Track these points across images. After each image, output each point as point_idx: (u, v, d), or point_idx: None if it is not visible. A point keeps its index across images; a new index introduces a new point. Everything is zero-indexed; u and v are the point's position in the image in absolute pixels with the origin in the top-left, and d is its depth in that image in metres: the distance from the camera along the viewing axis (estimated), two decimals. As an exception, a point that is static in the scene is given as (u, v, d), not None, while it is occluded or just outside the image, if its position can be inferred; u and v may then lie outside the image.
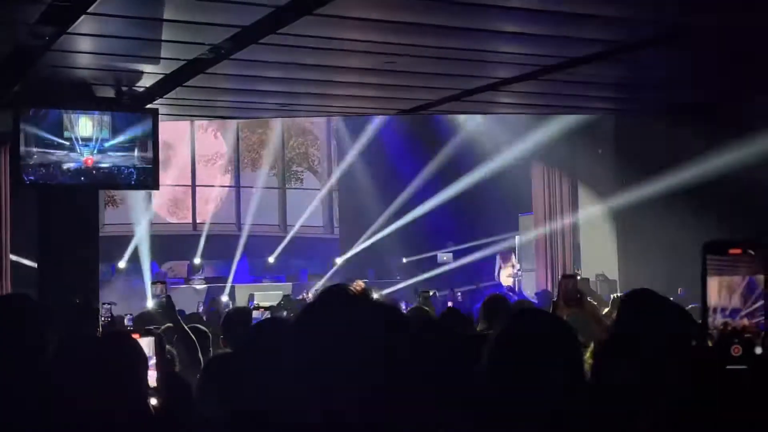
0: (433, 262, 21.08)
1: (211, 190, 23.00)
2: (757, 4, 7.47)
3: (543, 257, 19.03)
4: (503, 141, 18.57)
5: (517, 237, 20.07)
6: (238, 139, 22.76)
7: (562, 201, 18.64)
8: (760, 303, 1.91)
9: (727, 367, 1.89)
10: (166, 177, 21.84)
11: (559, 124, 16.53)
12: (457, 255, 20.84)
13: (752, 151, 14.40)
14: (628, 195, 17.00)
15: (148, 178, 9.88)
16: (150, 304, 8.41)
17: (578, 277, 11.09)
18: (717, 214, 16.06)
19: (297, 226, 22.13)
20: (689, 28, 7.98)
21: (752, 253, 1.92)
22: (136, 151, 9.80)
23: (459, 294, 14.80)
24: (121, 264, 19.29)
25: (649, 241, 17.09)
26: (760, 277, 1.91)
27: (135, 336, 2.68)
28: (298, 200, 24.00)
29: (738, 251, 1.93)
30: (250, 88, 10.69)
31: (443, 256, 21.08)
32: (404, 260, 21.37)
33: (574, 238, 18.70)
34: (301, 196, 24.27)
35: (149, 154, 9.83)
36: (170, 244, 20.54)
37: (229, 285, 19.64)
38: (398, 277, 20.75)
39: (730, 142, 14.70)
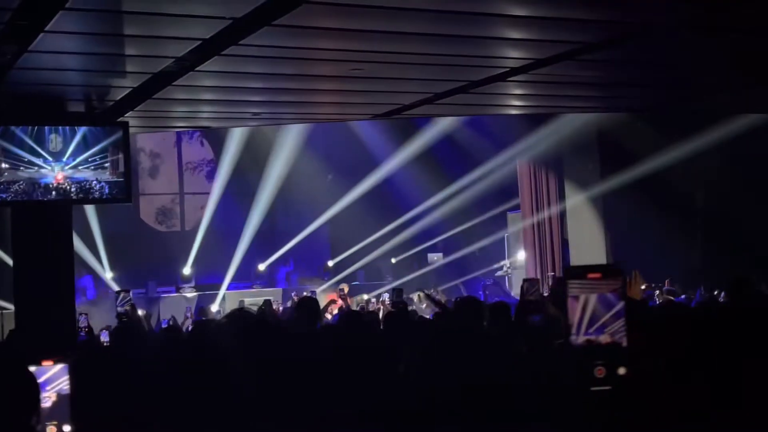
0: (423, 261, 21.15)
1: (203, 197, 22.98)
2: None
3: (532, 254, 19.09)
4: (489, 141, 18.69)
5: (505, 234, 20.11)
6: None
7: (549, 197, 18.69)
8: (621, 321, 1.93)
9: (592, 388, 1.91)
10: (154, 186, 21.95)
11: (544, 123, 16.67)
12: (447, 253, 20.93)
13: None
14: (611, 187, 17.20)
15: (120, 192, 9.88)
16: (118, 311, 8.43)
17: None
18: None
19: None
20: (661, 27, 7.94)
21: (611, 276, 1.94)
22: (107, 164, 9.80)
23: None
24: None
25: (635, 232, 17.25)
26: (619, 297, 1.93)
27: (47, 363, 2.64)
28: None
29: (597, 275, 1.95)
30: (223, 98, 10.70)
31: (434, 256, 21.14)
32: (393, 260, 21.43)
33: (562, 233, 18.76)
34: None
35: (121, 168, 9.83)
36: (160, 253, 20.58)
37: (222, 292, 19.68)
38: (389, 278, 20.80)
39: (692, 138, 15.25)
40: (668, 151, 16.76)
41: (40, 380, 2.52)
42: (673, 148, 16.64)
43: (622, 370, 1.89)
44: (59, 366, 2.64)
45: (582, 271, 1.97)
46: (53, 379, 2.62)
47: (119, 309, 6.96)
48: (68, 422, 2.59)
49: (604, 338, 1.93)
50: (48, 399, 2.61)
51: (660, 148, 16.99)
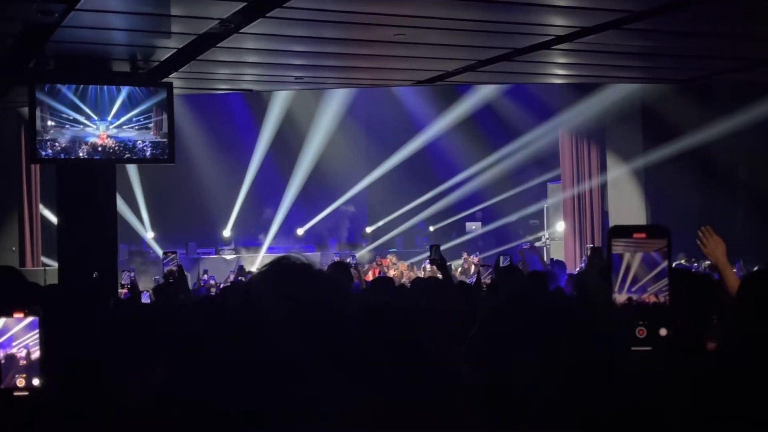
0: (461, 230, 21.15)
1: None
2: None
3: (571, 226, 18.99)
4: (531, 110, 18.59)
5: (545, 205, 20.02)
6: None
7: (590, 168, 18.54)
8: (664, 281, 1.92)
9: (632, 348, 1.90)
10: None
11: (588, 93, 16.54)
12: (486, 222, 20.90)
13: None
14: (653, 160, 17.05)
15: (164, 152, 9.98)
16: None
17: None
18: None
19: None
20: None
21: (656, 236, 1.93)
22: (151, 125, 9.90)
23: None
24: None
25: (675, 206, 17.11)
26: (665, 257, 1.92)
27: (18, 314, 2.61)
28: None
29: (642, 235, 1.94)
30: (267, 62, 10.72)
31: (472, 225, 21.12)
32: (431, 228, 21.44)
33: (603, 204, 18.63)
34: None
35: (164, 129, 9.92)
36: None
37: (261, 254, 19.83)
38: (426, 245, 20.82)
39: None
40: (711, 124, 16.57)
41: (12, 332, 2.52)
42: (716, 121, 16.45)
43: (663, 331, 1.87)
44: (30, 318, 2.62)
45: (627, 230, 1.95)
46: (24, 332, 2.60)
47: (166, 269, 7.04)
48: (38, 376, 2.59)
49: (646, 297, 1.91)
50: (19, 351, 2.60)
51: (703, 121, 16.80)
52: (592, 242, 18.27)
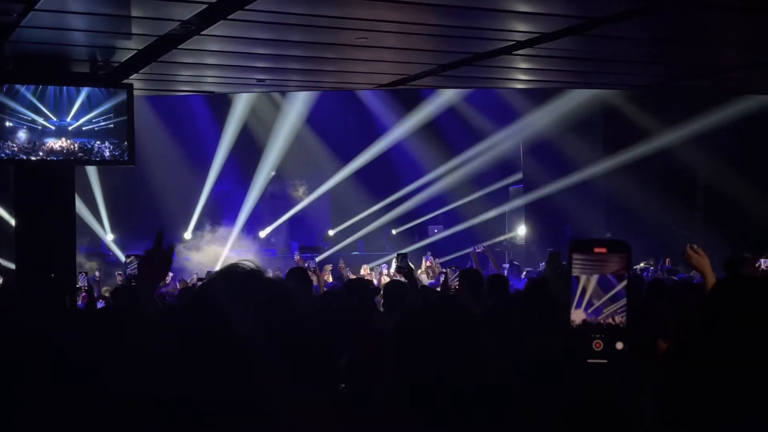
0: (424, 233, 21.22)
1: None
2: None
3: (532, 229, 19.16)
4: (494, 115, 18.75)
5: (506, 208, 20.18)
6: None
7: (551, 173, 18.70)
8: (622, 301, 1.96)
9: (589, 360, 1.94)
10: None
11: (549, 98, 16.71)
12: (447, 225, 21.00)
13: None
14: (614, 165, 17.27)
15: (123, 154, 9.91)
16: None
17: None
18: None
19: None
20: (669, 3, 7.91)
21: (615, 251, 1.97)
22: (111, 126, 9.82)
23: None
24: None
25: (636, 210, 17.35)
26: (623, 276, 1.96)
27: None
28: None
29: (603, 250, 1.97)
30: (228, 64, 10.68)
31: (434, 229, 21.21)
32: (394, 232, 21.49)
33: (563, 209, 18.80)
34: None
35: (125, 130, 9.85)
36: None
37: (223, 257, 19.71)
38: (388, 248, 20.87)
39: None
40: (670, 130, 16.82)
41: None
42: (675, 127, 16.70)
43: (619, 345, 1.92)
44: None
45: (588, 245, 1.99)
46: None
47: (128, 272, 6.99)
48: None
49: (603, 319, 1.96)
50: None
51: (662, 127, 17.05)
52: (552, 246, 18.43)
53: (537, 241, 18.94)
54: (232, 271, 2.13)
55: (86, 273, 10.06)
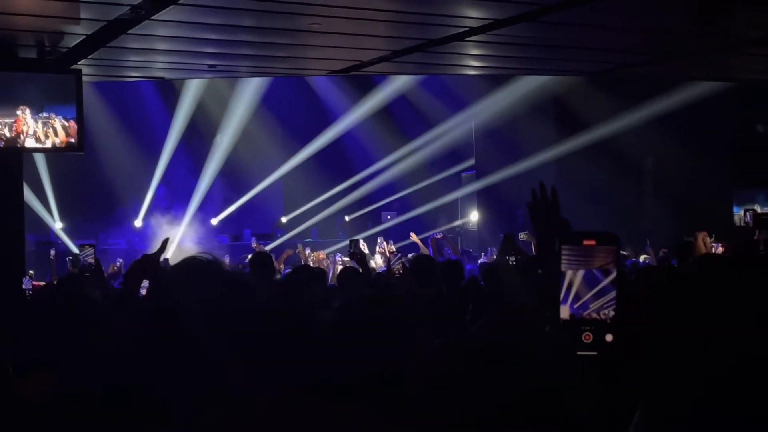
0: (377, 220, 21.22)
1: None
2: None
3: (484, 215, 19.26)
4: (446, 101, 18.78)
5: (459, 194, 20.26)
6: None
7: (503, 159, 18.79)
8: (611, 293, 1.96)
9: (579, 352, 1.94)
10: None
11: (501, 85, 16.79)
12: (400, 212, 21.02)
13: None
14: (565, 150, 17.43)
15: (72, 141, 9.74)
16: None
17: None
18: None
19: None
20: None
21: (605, 245, 1.97)
22: (60, 113, 9.64)
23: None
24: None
25: (587, 195, 17.52)
26: (613, 268, 1.96)
27: None
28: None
29: (592, 242, 1.97)
30: (179, 49, 10.55)
31: (387, 215, 21.22)
32: (347, 218, 21.46)
33: (515, 195, 18.91)
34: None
35: (73, 116, 9.67)
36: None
37: (174, 245, 19.49)
38: (341, 235, 20.83)
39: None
40: (620, 116, 17.01)
41: None
42: (624, 113, 16.90)
43: (609, 337, 1.92)
44: None
45: (577, 237, 1.99)
46: None
47: (83, 263, 6.85)
48: None
49: (591, 313, 1.96)
50: None
51: (612, 113, 17.24)
52: (505, 231, 18.49)
53: (489, 226, 19.03)
54: (190, 263, 2.09)
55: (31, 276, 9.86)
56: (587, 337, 1.94)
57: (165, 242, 3.57)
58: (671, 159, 17.33)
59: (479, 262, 12.54)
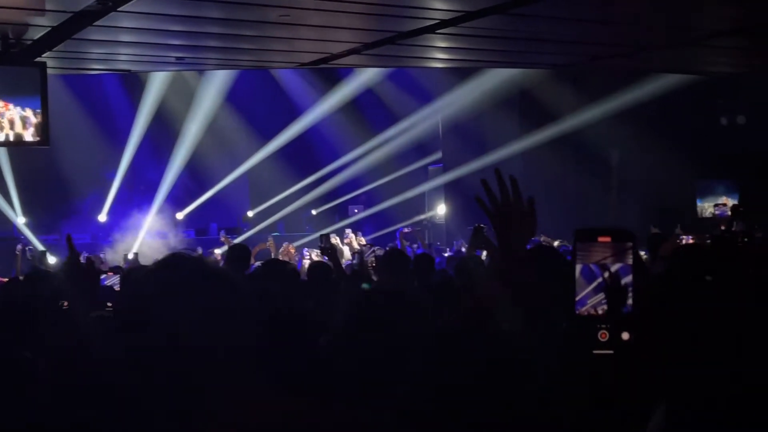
0: (344, 213, 21.16)
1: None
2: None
3: (451, 209, 19.27)
4: (413, 95, 18.77)
5: (426, 188, 20.26)
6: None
7: (470, 152, 18.80)
8: (628, 289, 1.93)
9: (594, 351, 1.91)
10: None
11: (468, 78, 16.80)
12: (368, 205, 20.98)
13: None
14: (531, 144, 17.51)
15: (38, 134, 9.58)
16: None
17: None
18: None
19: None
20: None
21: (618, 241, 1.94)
22: (24, 106, 9.48)
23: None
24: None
25: (553, 189, 17.61)
26: (627, 267, 1.93)
27: None
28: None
29: (607, 239, 1.95)
30: (145, 41, 10.43)
31: (354, 209, 21.16)
32: (314, 212, 21.37)
33: (482, 187, 18.94)
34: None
35: (38, 110, 9.51)
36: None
37: (140, 240, 19.31)
38: (308, 229, 20.75)
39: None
40: (585, 109, 17.10)
41: None
42: (589, 106, 17.00)
43: (625, 335, 1.89)
44: None
45: (592, 234, 1.96)
46: None
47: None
48: None
49: (602, 309, 1.92)
50: None
51: (577, 107, 17.33)
52: (472, 225, 18.53)
53: (456, 219, 19.04)
54: (175, 264, 1.99)
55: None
56: (603, 336, 1.91)
57: (68, 239, 3.45)
58: (636, 152, 17.46)
59: (445, 255, 12.54)
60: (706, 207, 18.10)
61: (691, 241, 8.64)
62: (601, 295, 1.93)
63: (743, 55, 12.21)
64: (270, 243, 14.59)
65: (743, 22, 9.84)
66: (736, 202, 16.70)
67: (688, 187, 17.91)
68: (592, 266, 1.94)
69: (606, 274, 1.94)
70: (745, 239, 4.30)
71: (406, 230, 12.65)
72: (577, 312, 1.93)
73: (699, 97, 16.55)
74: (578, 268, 1.94)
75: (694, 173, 17.58)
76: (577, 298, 1.94)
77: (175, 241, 19.09)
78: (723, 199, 17.64)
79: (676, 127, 17.21)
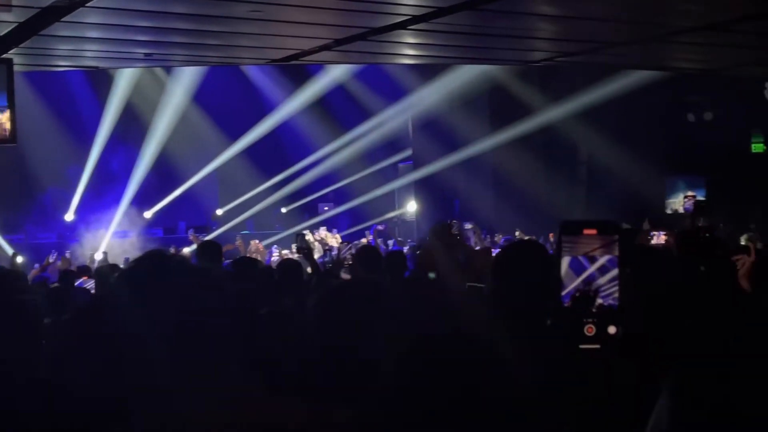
0: (314, 211, 21.10)
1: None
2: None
3: (421, 206, 19.30)
4: (383, 92, 18.75)
5: (396, 185, 20.26)
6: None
7: (440, 149, 18.83)
8: (615, 283, 1.91)
9: (581, 346, 1.89)
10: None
11: (438, 75, 16.81)
12: (338, 203, 20.95)
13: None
14: (501, 140, 17.58)
15: (4, 133, 9.43)
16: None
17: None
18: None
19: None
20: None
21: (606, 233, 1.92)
22: (-10, 103, 9.34)
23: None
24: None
25: (522, 184, 17.67)
26: (615, 257, 1.91)
27: None
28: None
29: (593, 232, 1.92)
30: (112, 37, 10.30)
31: (324, 207, 21.12)
32: (284, 210, 21.28)
33: (452, 184, 18.99)
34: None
35: (5, 107, 9.37)
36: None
37: (107, 239, 19.12)
38: (277, 227, 20.66)
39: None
40: (555, 105, 17.18)
41: None
42: (558, 103, 17.08)
43: (612, 329, 1.86)
44: None
45: (577, 227, 1.93)
46: None
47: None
48: None
49: (596, 300, 1.90)
50: None
51: (546, 103, 17.42)
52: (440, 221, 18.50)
53: (427, 216, 19.04)
54: (158, 262, 1.94)
55: None
56: (590, 330, 1.89)
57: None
58: (605, 148, 17.57)
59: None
60: (675, 202, 18.27)
61: (663, 237, 8.70)
62: (589, 288, 1.91)
63: (710, 52, 12.30)
64: (239, 243, 14.49)
65: (709, 18, 9.91)
66: (701, 197, 16.86)
67: (657, 183, 18.06)
68: (581, 258, 1.92)
69: (594, 267, 1.92)
70: (707, 234, 4.31)
71: (379, 227, 12.64)
72: (563, 305, 1.91)
73: (667, 94, 16.69)
74: (566, 260, 1.91)
75: (663, 169, 17.72)
76: (563, 292, 1.91)
77: (143, 240, 18.91)
78: (690, 193, 17.81)
79: (644, 123, 17.34)
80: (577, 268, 1.92)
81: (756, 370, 1.81)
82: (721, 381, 1.74)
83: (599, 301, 1.88)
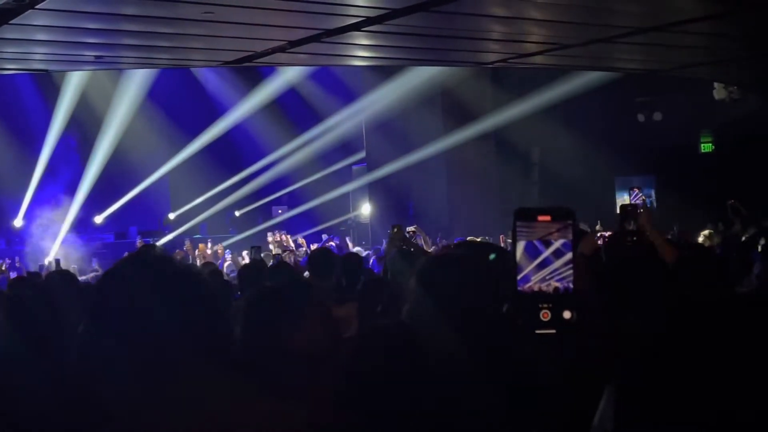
0: (268, 214, 21.00)
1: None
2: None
3: (376, 208, 19.29)
4: (336, 94, 18.73)
5: (350, 188, 20.23)
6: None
7: (394, 151, 18.85)
8: (568, 269, 1.92)
9: (537, 331, 1.90)
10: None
11: (391, 77, 16.83)
12: (292, 206, 20.87)
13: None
14: (455, 141, 17.67)
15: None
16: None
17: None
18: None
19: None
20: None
21: (560, 219, 1.93)
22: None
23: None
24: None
25: (476, 185, 17.82)
26: (569, 242, 1.92)
27: None
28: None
29: (547, 218, 1.93)
30: (61, 40, 10.15)
31: (278, 209, 21.02)
32: (237, 213, 21.14)
33: (406, 186, 19.02)
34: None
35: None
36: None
37: (57, 244, 18.84)
38: (231, 231, 20.52)
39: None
40: (506, 107, 17.31)
41: None
42: (510, 104, 17.21)
43: (567, 314, 1.87)
44: None
45: (532, 214, 1.94)
46: None
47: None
48: None
49: (548, 285, 1.91)
50: None
51: (498, 105, 17.55)
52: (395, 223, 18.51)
53: (381, 219, 19.05)
54: (143, 263, 1.91)
55: None
56: (545, 315, 1.90)
57: None
58: (557, 148, 17.74)
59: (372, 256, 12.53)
60: (625, 200, 18.48)
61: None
62: (544, 273, 1.92)
63: (656, 53, 12.47)
64: (187, 246, 14.35)
65: (654, 20, 10.05)
66: (648, 195, 17.07)
67: (608, 183, 18.27)
68: (536, 242, 1.93)
69: (549, 251, 1.93)
70: (634, 238, 4.37)
71: (332, 243, 12.65)
72: (519, 289, 1.92)
73: (617, 95, 16.89)
74: (521, 245, 1.92)
75: (613, 168, 17.94)
76: (519, 276, 1.92)
77: (93, 246, 18.65)
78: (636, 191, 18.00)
79: (595, 123, 17.55)
80: (532, 253, 1.93)
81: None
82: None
83: (555, 284, 1.90)
